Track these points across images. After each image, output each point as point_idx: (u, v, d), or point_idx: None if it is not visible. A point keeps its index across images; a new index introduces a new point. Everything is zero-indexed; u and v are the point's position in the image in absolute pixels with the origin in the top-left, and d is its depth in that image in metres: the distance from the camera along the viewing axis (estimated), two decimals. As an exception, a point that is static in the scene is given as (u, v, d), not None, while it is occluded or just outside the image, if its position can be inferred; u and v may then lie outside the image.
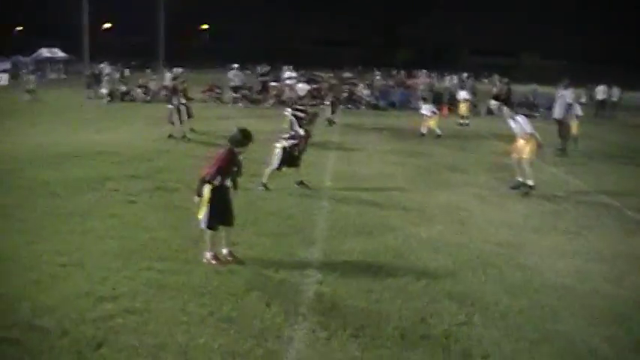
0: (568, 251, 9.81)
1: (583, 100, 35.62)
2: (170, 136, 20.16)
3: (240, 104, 34.27)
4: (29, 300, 7.02)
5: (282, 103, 34.82)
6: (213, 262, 8.47)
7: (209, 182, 8.26)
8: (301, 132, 13.66)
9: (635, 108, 41.89)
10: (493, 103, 34.97)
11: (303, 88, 35.93)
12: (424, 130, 23.28)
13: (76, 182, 13.14)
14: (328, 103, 27.83)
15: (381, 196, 13.00)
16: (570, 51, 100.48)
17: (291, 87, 36.16)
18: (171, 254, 8.72)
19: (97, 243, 9.17)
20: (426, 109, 23.57)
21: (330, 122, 26.76)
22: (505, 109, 14.38)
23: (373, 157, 18.22)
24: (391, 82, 58.62)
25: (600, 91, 35.46)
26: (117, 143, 18.95)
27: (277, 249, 9.26)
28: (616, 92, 35.99)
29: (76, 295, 7.18)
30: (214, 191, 8.28)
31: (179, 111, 20.44)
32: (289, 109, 19.69)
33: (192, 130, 21.70)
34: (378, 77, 55.52)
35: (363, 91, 36.54)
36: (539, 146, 13.79)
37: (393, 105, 36.13)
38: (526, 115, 14.16)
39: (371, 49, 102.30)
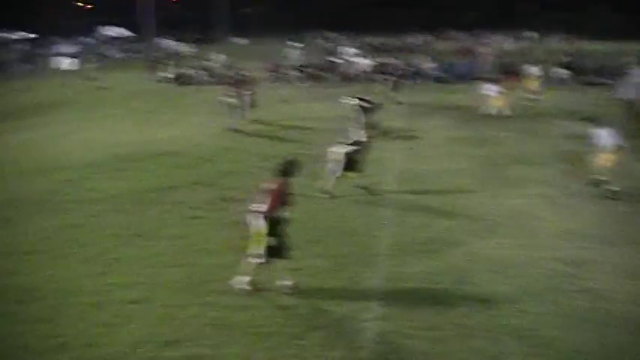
0: (637, 269, 9.48)
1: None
2: (230, 129, 20.25)
3: (305, 84, 34.11)
4: (99, 346, 7.27)
5: (344, 79, 34.67)
6: (247, 287, 8.67)
7: (266, 217, 8.32)
8: (363, 138, 13.49)
9: None
10: (562, 72, 33.95)
11: (365, 63, 35.75)
12: (493, 111, 22.73)
13: (139, 194, 13.45)
14: (391, 82, 27.38)
15: (445, 202, 12.80)
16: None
17: (353, 63, 35.95)
18: (233, 285, 8.80)
19: (163, 272, 9.41)
20: (491, 89, 22.95)
21: (396, 101, 26.40)
22: (582, 125, 13.84)
23: (439, 148, 17.88)
24: (458, 46, 57.77)
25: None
26: (179, 140, 19.22)
27: (339, 275, 9.28)
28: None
29: (143, 340, 7.40)
30: (271, 225, 8.33)
31: (239, 104, 20.49)
32: (355, 99, 19.62)
33: (254, 120, 21.78)
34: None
35: (427, 64, 35.87)
36: (621, 158, 13.23)
37: (459, 78, 35.29)
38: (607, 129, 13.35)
39: (432, 10, 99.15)
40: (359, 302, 8.39)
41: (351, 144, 13.30)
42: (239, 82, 21.50)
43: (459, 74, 35.81)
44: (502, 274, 9.28)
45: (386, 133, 19.42)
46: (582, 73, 34.89)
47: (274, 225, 8.37)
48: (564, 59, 35.98)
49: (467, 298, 8.50)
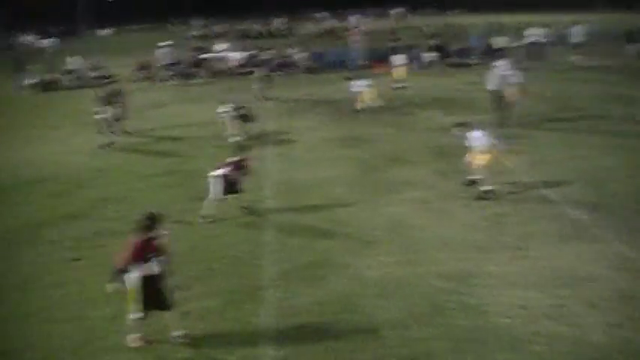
0: (511, 277, 10.01)
1: (515, 44, 35.82)
2: (101, 146, 19.56)
3: (173, 82, 33.35)
4: None
5: (215, 75, 34.34)
6: (140, 343, 8.51)
7: (120, 271, 8.15)
8: (235, 158, 13.23)
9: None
10: (427, 55, 34.99)
11: (234, 57, 35.52)
12: (360, 106, 23.09)
13: (10, 233, 12.82)
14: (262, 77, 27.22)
15: (324, 218, 12.89)
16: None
17: (223, 58, 35.63)
18: (121, 340, 8.59)
19: (47, 330, 9.05)
20: (357, 86, 23.35)
21: (267, 97, 26.32)
22: (455, 130, 14.39)
23: (314, 152, 17.97)
24: (321, 28, 58.25)
25: (529, 35, 35.67)
26: (47, 162, 18.26)
27: (229, 315, 9.25)
28: (545, 32, 36.29)
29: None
30: (142, 281, 8.16)
31: (109, 117, 19.87)
32: (224, 108, 19.47)
33: (126, 132, 21.10)
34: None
35: (296, 55, 35.92)
36: (496, 157, 13.77)
37: (328, 66, 35.51)
38: (478, 130, 13.83)
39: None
40: (251, 347, 8.40)
41: (222, 166, 13.02)
42: (107, 96, 20.75)
43: (330, 62, 36.07)
44: (385, 297, 9.55)
45: (259, 138, 19.37)
46: (449, 54, 35.98)
47: (146, 281, 8.17)
48: (431, 42, 36.89)
49: (355, 330, 8.70)
